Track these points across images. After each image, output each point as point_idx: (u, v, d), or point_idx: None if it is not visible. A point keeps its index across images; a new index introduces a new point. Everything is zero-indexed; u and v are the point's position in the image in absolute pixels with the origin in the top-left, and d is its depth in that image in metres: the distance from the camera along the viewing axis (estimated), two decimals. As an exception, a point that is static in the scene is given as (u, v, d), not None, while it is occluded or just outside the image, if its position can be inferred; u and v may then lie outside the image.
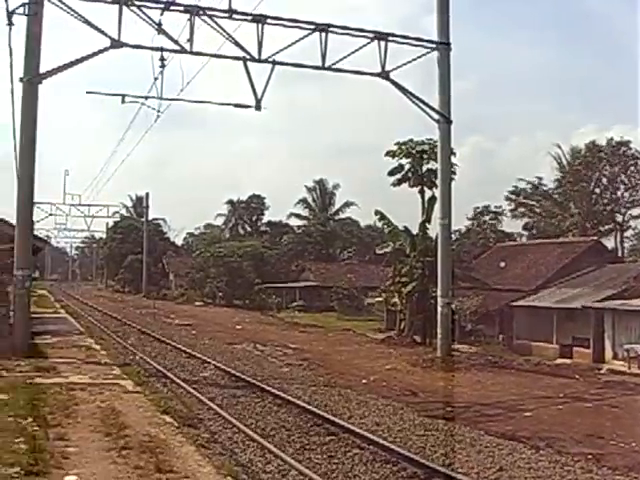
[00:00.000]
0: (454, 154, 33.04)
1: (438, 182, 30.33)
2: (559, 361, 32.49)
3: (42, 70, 22.71)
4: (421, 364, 27.05)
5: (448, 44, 27.83)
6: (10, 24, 22.29)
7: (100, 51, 23.34)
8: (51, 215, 68.40)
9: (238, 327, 44.77)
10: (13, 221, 23.47)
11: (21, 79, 22.43)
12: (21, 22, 22.42)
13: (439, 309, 28.04)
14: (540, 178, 69.66)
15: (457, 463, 12.70)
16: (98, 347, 25.35)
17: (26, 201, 22.84)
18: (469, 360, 28.34)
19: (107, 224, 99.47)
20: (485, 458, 12.97)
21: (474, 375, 25.06)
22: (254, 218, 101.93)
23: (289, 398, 17.85)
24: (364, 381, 23.00)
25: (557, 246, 47.37)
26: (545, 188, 69.51)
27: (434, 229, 33.66)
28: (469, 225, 75.80)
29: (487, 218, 76.05)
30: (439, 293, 28.37)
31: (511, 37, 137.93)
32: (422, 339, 35.24)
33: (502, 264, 47.06)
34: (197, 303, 71.90)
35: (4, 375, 17.12)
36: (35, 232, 27.29)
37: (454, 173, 33.85)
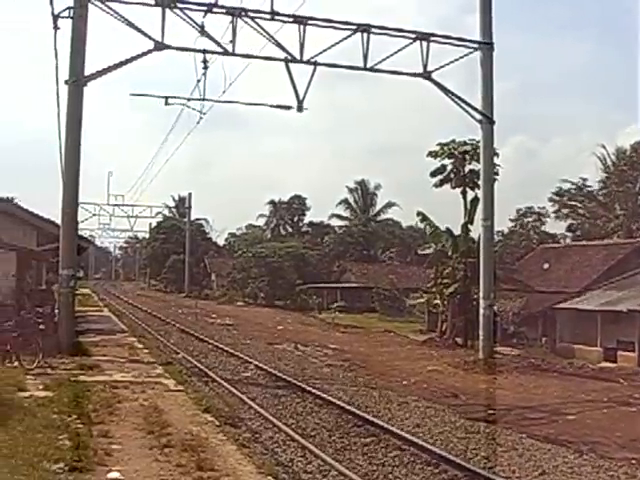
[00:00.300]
0: (497, 155, 32.75)
1: (480, 183, 30.16)
2: (603, 364, 32.03)
3: (87, 72, 23.04)
4: (463, 366, 26.87)
5: (491, 44, 27.63)
6: (56, 27, 22.66)
7: (144, 53, 23.62)
8: (95, 215, 69.44)
9: (279, 327, 44.88)
10: (58, 221, 23.82)
11: (66, 81, 22.77)
12: (66, 25, 22.79)
13: (481, 311, 27.86)
14: (584, 179, 68.69)
15: (498, 466, 12.59)
16: (141, 346, 25.62)
17: (71, 201, 23.15)
18: (511, 362, 28.08)
19: (150, 224, 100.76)
20: (527, 462, 12.86)
21: (516, 378, 24.83)
22: (295, 219, 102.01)
23: (330, 398, 17.86)
24: (405, 382, 22.93)
25: (602, 248, 46.68)
26: (589, 189, 68.54)
27: (476, 230, 33.47)
28: (512, 226, 75.09)
29: (530, 219, 75.26)
30: (481, 295, 28.17)
31: (555, 36, 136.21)
32: (464, 341, 35.02)
33: (545, 266, 46.56)
34: (239, 303, 72.19)
35: (49, 372, 17.39)
36: (79, 232, 27.64)
37: (497, 174, 33.54)
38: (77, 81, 22.71)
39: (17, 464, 8.71)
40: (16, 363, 17.49)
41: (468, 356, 28.90)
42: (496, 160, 32.57)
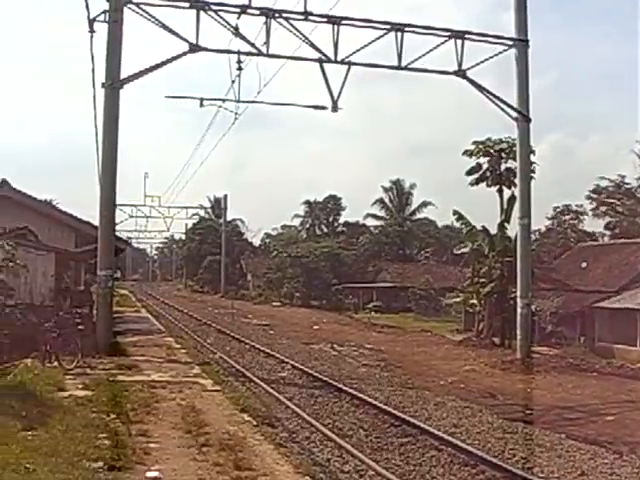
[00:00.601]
0: (533, 152, 32.45)
1: (517, 181, 29.94)
2: (643, 364, 31.59)
3: (123, 75, 23.23)
4: (500, 366, 26.71)
5: (526, 41, 27.39)
6: (92, 31, 22.89)
7: (179, 55, 23.76)
8: (132, 217, 70.00)
9: (315, 327, 44.95)
10: (96, 222, 24.08)
11: (103, 85, 22.98)
12: (102, 29, 23.01)
13: (518, 310, 27.65)
14: (623, 176, 67.62)
15: (537, 467, 12.50)
16: (178, 346, 25.79)
17: (108, 203, 23.37)
18: (549, 362, 27.81)
19: (186, 225, 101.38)
20: (566, 462, 12.73)
21: (554, 378, 24.61)
22: (331, 219, 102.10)
23: (366, 398, 17.84)
24: (442, 382, 22.84)
25: (641, 246, 46.00)
26: (628, 186, 67.54)
27: (513, 229, 33.23)
28: (549, 225, 74.29)
29: (568, 218, 74.40)
30: (518, 294, 27.96)
31: (591, 32, 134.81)
32: (501, 340, 34.77)
33: (583, 265, 45.99)
34: (274, 303, 72.43)
35: (88, 372, 17.59)
36: (117, 233, 27.90)
37: (533, 172, 33.26)
38: (113, 84, 22.92)
39: (57, 462, 8.82)
40: (56, 363, 17.70)
41: (505, 356, 28.70)
42: (532, 158, 32.30)
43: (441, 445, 13.39)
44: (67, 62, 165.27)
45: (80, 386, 15.25)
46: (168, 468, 9.39)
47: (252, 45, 24.29)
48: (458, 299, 44.32)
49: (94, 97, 23.57)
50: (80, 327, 20.26)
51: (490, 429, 15.40)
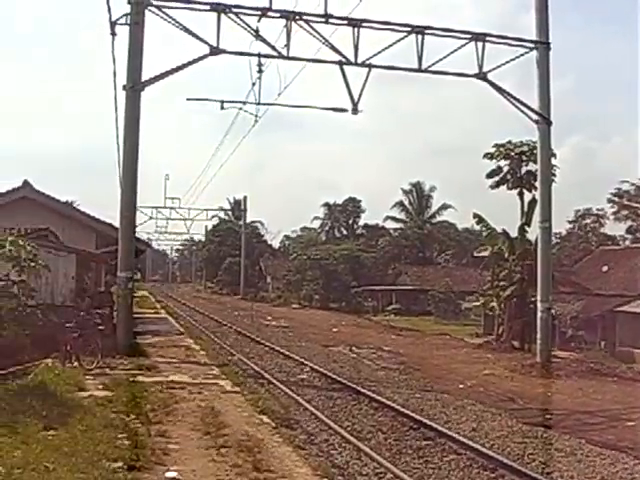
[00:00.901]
0: (554, 155, 32.28)
1: (538, 184, 29.78)
2: (665, 369, 31.28)
3: (144, 77, 23.31)
4: (520, 370, 26.57)
5: (548, 43, 27.24)
6: (113, 34, 22.99)
7: (200, 58, 23.83)
8: (152, 219, 70.37)
9: (334, 330, 44.90)
10: (117, 224, 24.20)
11: (124, 87, 23.09)
12: (123, 32, 23.11)
13: (538, 314, 27.50)
14: (645, 179, 67.16)
15: (557, 472, 12.42)
16: (197, 347, 25.86)
17: (129, 205, 23.47)
18: (569, 367, 27.63)
19: (206, 227, 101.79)
20: (586, 467, 12.65)
21: (575, 382, 24.45)
22: (350, 221, 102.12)
23: (385, 401, 17.81)
24: (461, 386, 22.74)
25: (663, 250, 45.66)
26: (650, 189, 67.02)
27: (533, 232, 33.06)
28: (570, 228, 73.95)
29: (589, 221, 74.01)
30: (539, 298, 27.81)
31: (613, 32, 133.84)
32: (521, 344, 34.58)
33: (605, 268, 45.71)
34: (294, 305, 72.45)
35: (108, 373, 17.68)
36: (137, 235, 28.01)
37: (554, 175, 33.09)
38: (135, 86, 23.02)
39: (77, 462, 8.88)
40: (76, 363, 17.81)
41: (525, 360, 28.54)
42: (553, 161, 32.12)
43: (460, 449, 13.35)
44: (85, 64, 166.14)
45: (100, 386, 15.33)
46: (187, 469, 9.43)
47: (273, 48, 24.32)
48: (478, 302, 44.15)
49: (115, 100, 23.70)
50: (100, 328, 20.38)
51: (509, 433, 15.33)
